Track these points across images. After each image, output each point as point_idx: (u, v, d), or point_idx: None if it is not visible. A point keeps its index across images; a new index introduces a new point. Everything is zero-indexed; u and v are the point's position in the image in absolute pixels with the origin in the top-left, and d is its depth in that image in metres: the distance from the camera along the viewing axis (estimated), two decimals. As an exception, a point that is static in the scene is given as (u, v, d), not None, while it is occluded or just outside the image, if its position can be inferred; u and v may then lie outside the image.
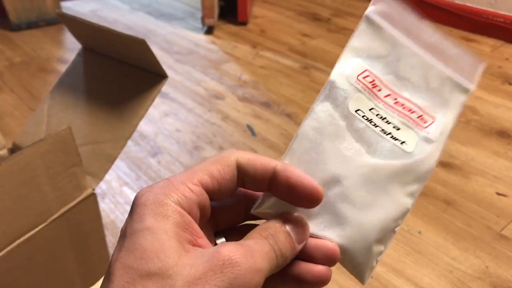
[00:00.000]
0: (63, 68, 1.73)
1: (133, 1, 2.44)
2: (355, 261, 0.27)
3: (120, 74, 0.75)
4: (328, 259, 0.27)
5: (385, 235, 0.27)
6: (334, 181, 0.27)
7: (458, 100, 0.29)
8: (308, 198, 0.26)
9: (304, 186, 0.26)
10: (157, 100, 1.53)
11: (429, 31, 0.29)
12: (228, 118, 1.45)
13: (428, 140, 0.28)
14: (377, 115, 0.28)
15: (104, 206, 1.09)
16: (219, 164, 0.25)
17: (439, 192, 1.13)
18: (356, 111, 0.28)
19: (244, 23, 2.12)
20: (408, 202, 0.27)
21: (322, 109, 0.28)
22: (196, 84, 1.65)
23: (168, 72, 0.72)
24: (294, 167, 0.27)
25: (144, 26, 2.13)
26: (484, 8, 1.96)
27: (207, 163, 0.25)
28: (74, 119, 0.75)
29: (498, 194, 1.13)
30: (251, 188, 0.27)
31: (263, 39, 1.99)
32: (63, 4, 2.28)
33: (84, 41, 0.79)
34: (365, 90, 0.28)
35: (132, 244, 0.22)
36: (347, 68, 0.28)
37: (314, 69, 1.73)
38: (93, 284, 0.56)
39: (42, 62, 1.80)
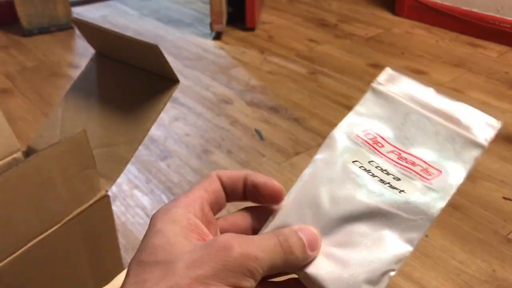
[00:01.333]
0: (73, 72, 1.76)
1: (143, 7, 2.46)
2: None
3: (133, 78, 0.77)
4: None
5: (377, 277, 0.27)
6: (327, 222, 0.28)
7: (471, 155, 0.28)
8: (271, 196, 0.30)
9: (267, 186, 0.30)
10: (167, 105, 1.55)
11: (435, 97, 0.30)
12: (236, 122, 1.46)
13: (430, 191, 0.28)
14: (376, 166, 0.29)
15: (115, 208, 1.11)
16: (207, 180, 0.30)
17: (446, 197, 1.14)
18: (353, 161, 0.29)
19: (252, 29, 2.14)
20: (407, 248, 0.27)
21: (321, 159, 0.30)
22: (205, 89, 1.67)
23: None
24: (291, 209, 0.29)
25: (153, 32, 2.15)
26: (491, 14, 1.97)
27: (198, 183, 0.30)
28: (88, 122, 0.77)
29: (505, 198, 1.13)
30: (232, 197, 0.31)
31: (271, 44, 2.01)
32: (73, 9, 2.31)
33: (97, 46, 0.81)
34: (365, 145, 0.29)
35: (144, 244, 0.26)
36: (349, 126, 0.30)
37: (321, 74, 1.75)
38: (105, 284, 0.57)
39: (53, 66, 1.82)
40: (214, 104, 1.57)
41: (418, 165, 0.28)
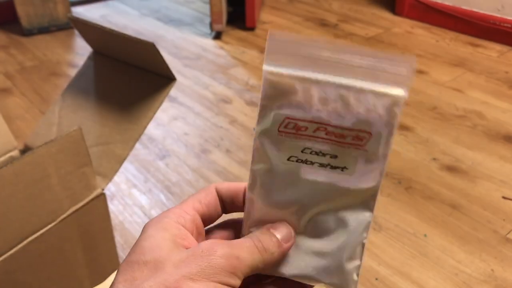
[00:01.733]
0: (73, 72, 1.76)
1: (143, 7, 2.46)
2: (336, 284, 0.30)
3: (129, 77, 0.76)
4: None
5: (355, 251, 0.29)
6: (294, 221, 0.30)
7: (390, 109, 0.27)
8: None
9: None
10: (166, 104, 1.55)
11: (333, 52, 0.27)
12: (235, 122, 1.46)
13: (368, 157, 0.28)
14: (310, 152, 0.28)
15: (113, 207, 1.11)
16: (203, 192, 0.32)
17: (445, 196, 1.14)
18: (288, 159, 0.28)
19: (252, 29, 2.14)
20: (366, 215, 0.29)
21: (258, 170, 0.29)
22: (204, 88, 1.67)
23: (177, 76, 0.73)
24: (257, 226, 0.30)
25: (153, 32, 2.15)
26: (491, 13, 1.96)
27: (194, 194, 0.31)
28: (85, 120, 0.77)
29: (504, 198, 1.13)
30: (231, 208, 0.32)
31: (270, 44, 2.00)
32: (73, 9, 2.31)
33: (94, 45, 0.81)
34: (289, 137, 0.28)
35: (135, 247, 0.27)
36: (266, 125, 0.28)
37: (321, 74, 1.74)
38: (101, 282, 0.57)
39: (53, 66, 1.82)
40: (213, 104, 1.57)
41: (347, 135, 0.27)
